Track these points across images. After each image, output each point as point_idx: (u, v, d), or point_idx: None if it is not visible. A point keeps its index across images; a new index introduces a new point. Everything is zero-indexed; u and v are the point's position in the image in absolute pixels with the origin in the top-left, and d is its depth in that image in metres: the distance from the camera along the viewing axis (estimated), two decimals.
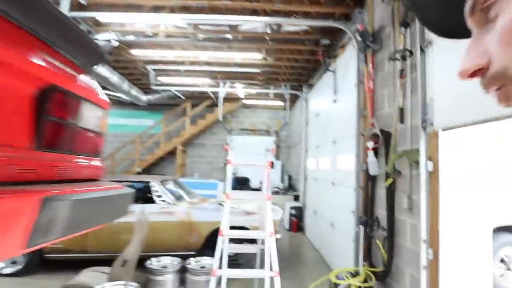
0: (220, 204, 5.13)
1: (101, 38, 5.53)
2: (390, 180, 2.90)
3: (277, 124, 12.22)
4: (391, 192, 3.22)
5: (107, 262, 4.54)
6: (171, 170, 11.75)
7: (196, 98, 11.39)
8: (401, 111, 3.24)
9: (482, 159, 2.48)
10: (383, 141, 3.43)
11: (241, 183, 10.57)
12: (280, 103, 11.59)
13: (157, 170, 11.85)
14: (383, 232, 3.27)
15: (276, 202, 6.53)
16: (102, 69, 6.96)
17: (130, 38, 5.62)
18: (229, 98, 11.06)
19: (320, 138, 6.64)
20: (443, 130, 2.44)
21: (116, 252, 4.73)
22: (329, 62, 6.07)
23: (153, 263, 4.44)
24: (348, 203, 4.34)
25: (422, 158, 2.57)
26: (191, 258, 4.47)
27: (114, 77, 7.64)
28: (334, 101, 5.54)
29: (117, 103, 11.97)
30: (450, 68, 2.38)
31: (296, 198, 9.07)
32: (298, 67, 7.89)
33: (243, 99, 11.21)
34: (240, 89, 9.53)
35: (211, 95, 10.43)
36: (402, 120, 3.24)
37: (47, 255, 4.74)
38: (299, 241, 6.86)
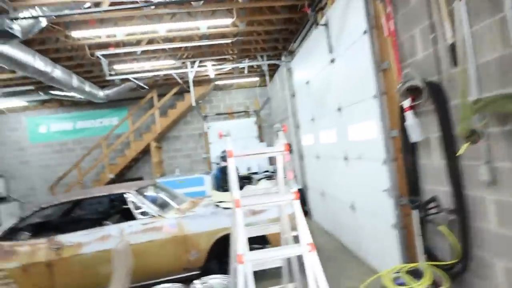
0: (217, 206, 4.17)
1: (24, 16, 4.20)
2: (466, 145, 2.07)
3: (255, 103, 11.23)
4: (454, 161, 2.39)
5: None
6: (147, 171, 10.54)
7: (162, 86, 10.09)
8: (453, 48, 2.38)
9: None
10: (429, 95, 2.58)
11: (225, 173, 9.60)
12: (255, 79, 10.55)
13: (132, 173, 10.60)
14: (449, 214, 2.47)
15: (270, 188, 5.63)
16: (37, 62, 5.58)
17: (63, 12, 4.32)
18: (199, 81, 9.88)
19: (315, 109, 5.75)
20: None
21: None
22: (315, 16, 5.10)
23: None
24: (376, 180, 3.52)
25: None
26: (195, 281, 3.53)
27: (57, 71, 6.26)
28: (331, 61, 4.62)
29: (72, 104, 10.45)
30: None
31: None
32: (274, 31, 6.86)
33: (214, 80, 10.05)
34: (210, 68, 8.37)
35: (178, 79, 9.19)
36: (455, 61, 2.38)
37: None
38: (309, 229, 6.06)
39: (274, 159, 9.64)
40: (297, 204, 2.13)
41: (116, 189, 4.20)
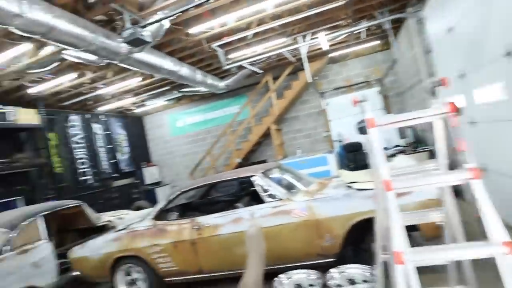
0: (349, 186, 3.71)
1: (152, 21, 4.62)
2: None
3: (377, 71, 9.95)
4: None
5: (232, 280, 3.68)
6: (270, 153, 10.82)
7: (275, 68, 10.03)
8: None
9: None
10: None
11: (351, 151, 8.90)
12: (375, 43, 9.29)
13: (256, 157, 11.08)
14: None
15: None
16: (167, 63, 6.20)
17: (180, 9, 4.54)
18: (313, 56, 9.34)
19: (465, 62, 4.50)
20: None
21: (233, 269, 3.87)
22: None
23: (283, 281, 3.36)
24: None
25: None
26: (331, 270, 3.22)
27: (183, 69, 6.87)
28: None
29: (200, 98, 11.59)
30: None
31: (433, 154, 6.94)
32: None
33: (328, 52, 9.32)
34: (323, 39, 7.71)
35: (290, 58, 8.90)
36: None
37: (166, 279, 4.18)
38: (467, 215, 4.88)
39: (407, 130, 8.35)
40: (479, 185, 1.50)
41: (243, 172, 4.25)
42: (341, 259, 3.41)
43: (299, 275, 3.35)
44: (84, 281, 4.70)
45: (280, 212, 3.58)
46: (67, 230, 5.87)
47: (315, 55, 9.35)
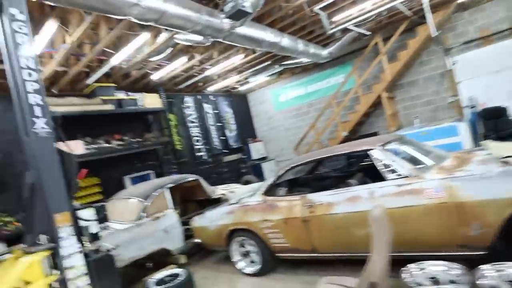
0: (504, 161, 2.85)
1: None
2: None
3: None
4: None
5: (347, 262, 3.43)
6: (381, 125, 9.74)
7: (386, 27, 8.72)
8: None
9: None
10: None
11: (492, 117, 7.20)
12: None
13: (365, 129, 10.17)
14: None
15: None
16: (268, 35, 5.98)
17: None
18: (435, 5, 7.71)
19: None
20: None
21: (351, 251, 3.54)
22: None
23: (413, 271, 2.86)
24: None
25: None
26: (484, 266, 2.56)
27: (284, 40, 6.55)
28: None
29: (302, 71, 11.17)
30: None
31: None
32: None
33: None
34: None
35: (406, 11, 7.54)
36: None
37: (278, 255, 4.15)
38: None
39: None
40: None
41: (359, 145, 3.77)
42: (495, 253, 2.69)
43: (437, 267, 2.79)
44: (204, 248, 5.11)
45: (408, 191, 3.02)
46: (188, 201, 6.51)
47: (437, 4, 7.71)
